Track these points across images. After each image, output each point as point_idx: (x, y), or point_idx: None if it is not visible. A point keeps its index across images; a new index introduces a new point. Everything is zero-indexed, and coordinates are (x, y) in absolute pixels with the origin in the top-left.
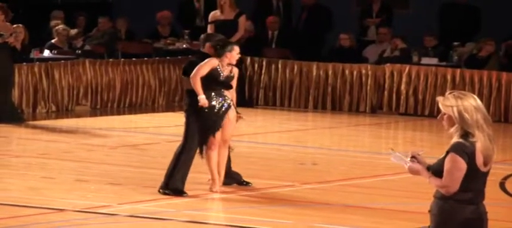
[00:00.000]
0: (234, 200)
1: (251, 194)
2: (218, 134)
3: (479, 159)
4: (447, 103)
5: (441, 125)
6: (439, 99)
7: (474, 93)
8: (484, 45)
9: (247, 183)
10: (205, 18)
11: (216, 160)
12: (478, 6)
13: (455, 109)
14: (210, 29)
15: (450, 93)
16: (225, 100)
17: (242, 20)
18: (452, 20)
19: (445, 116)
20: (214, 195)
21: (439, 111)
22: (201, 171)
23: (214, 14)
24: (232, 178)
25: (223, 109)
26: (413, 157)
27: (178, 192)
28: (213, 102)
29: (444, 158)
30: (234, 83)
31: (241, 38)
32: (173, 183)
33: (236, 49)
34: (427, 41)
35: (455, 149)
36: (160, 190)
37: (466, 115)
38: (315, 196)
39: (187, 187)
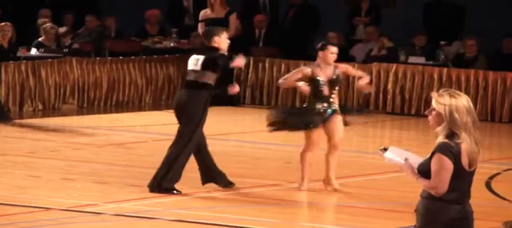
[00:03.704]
0: (221, 199)
1: (238, 192)
2: (316, 136)
3: (464, 160)
4: (441, 100)
5: (428, 124)
6: (434, 95)
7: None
8: (468, 45)
9: (231, 184)
10: (194, 17)
11: (309, 160)
12: (462, 4)
13: (447, 108)
14: (200, 27)
15: (445, 90)
16: (330, 106)
17: (233, 18)
18: (437, 19)
19: (434, 113)
20: (202, 194)
21: (426, 108)
22: (188, 170)
23: (205, 13)
24: (218, 177)
25: (326, 114)
26: (406, 159)
27: (171, 191)
28: (318, 106)
29: (430, 158)
30: (352, 71)
31: (232, 36)
32: (167, 183)
33: (331, 47)
34: (417, 40)
35: (441, 149)
36: (150, 187)
37: (457, 115)
38: (302, 195)
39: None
